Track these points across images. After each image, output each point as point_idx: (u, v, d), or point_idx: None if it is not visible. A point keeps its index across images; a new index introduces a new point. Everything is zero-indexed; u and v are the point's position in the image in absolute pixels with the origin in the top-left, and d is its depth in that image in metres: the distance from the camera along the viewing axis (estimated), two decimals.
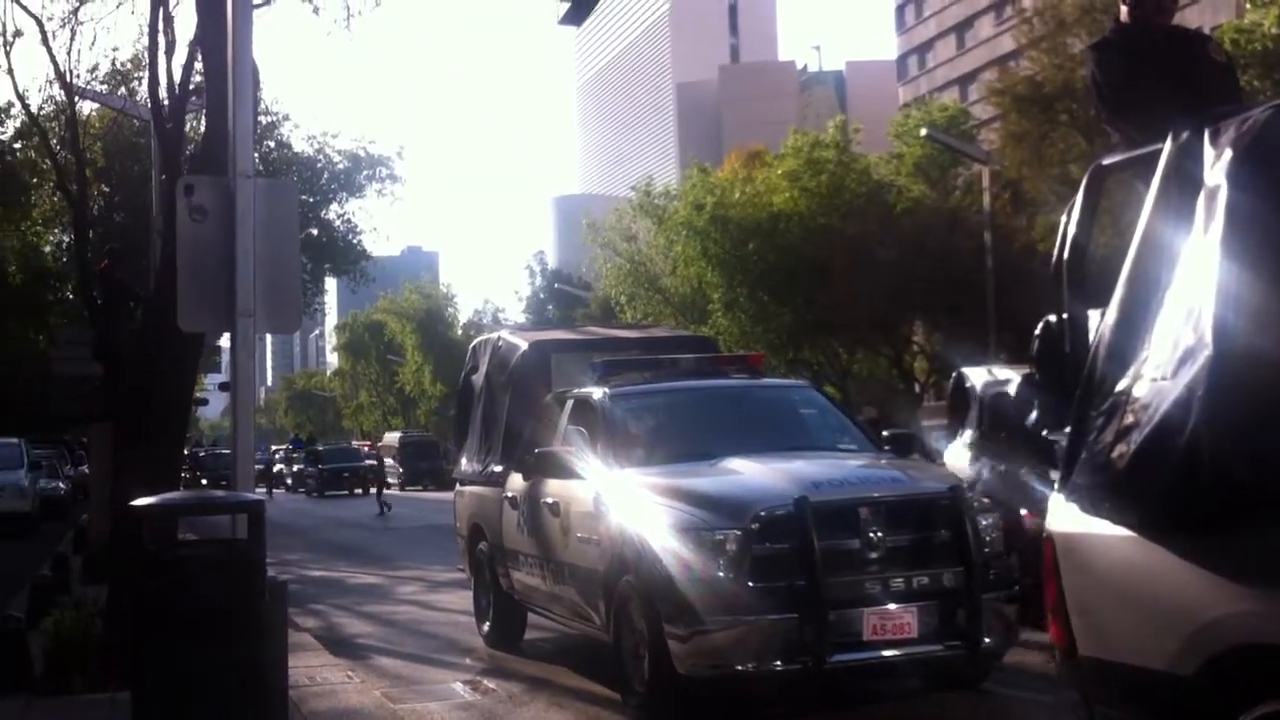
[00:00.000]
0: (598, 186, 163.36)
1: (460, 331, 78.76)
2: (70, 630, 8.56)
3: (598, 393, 9.17)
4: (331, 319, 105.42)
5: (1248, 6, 32.86)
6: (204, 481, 30.73)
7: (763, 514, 6.99)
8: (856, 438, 9.01)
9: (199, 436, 61.00)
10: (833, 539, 6.94)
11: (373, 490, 44.55)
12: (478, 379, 11.58)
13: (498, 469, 10.42)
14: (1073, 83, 28.59)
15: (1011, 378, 14.62)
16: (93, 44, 29.62)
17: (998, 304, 27.30)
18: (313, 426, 76.01)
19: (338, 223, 33.86)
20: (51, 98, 24.72)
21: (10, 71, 40.76)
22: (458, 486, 11.98)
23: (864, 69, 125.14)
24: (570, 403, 9.52)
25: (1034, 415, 13.91)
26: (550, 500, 8.92)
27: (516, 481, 9.80)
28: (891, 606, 6.94)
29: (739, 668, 6.92)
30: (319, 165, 32.95)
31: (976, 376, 15.03)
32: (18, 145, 29.66)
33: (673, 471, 7.98)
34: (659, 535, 7.26)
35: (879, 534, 7.05)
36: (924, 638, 7.02)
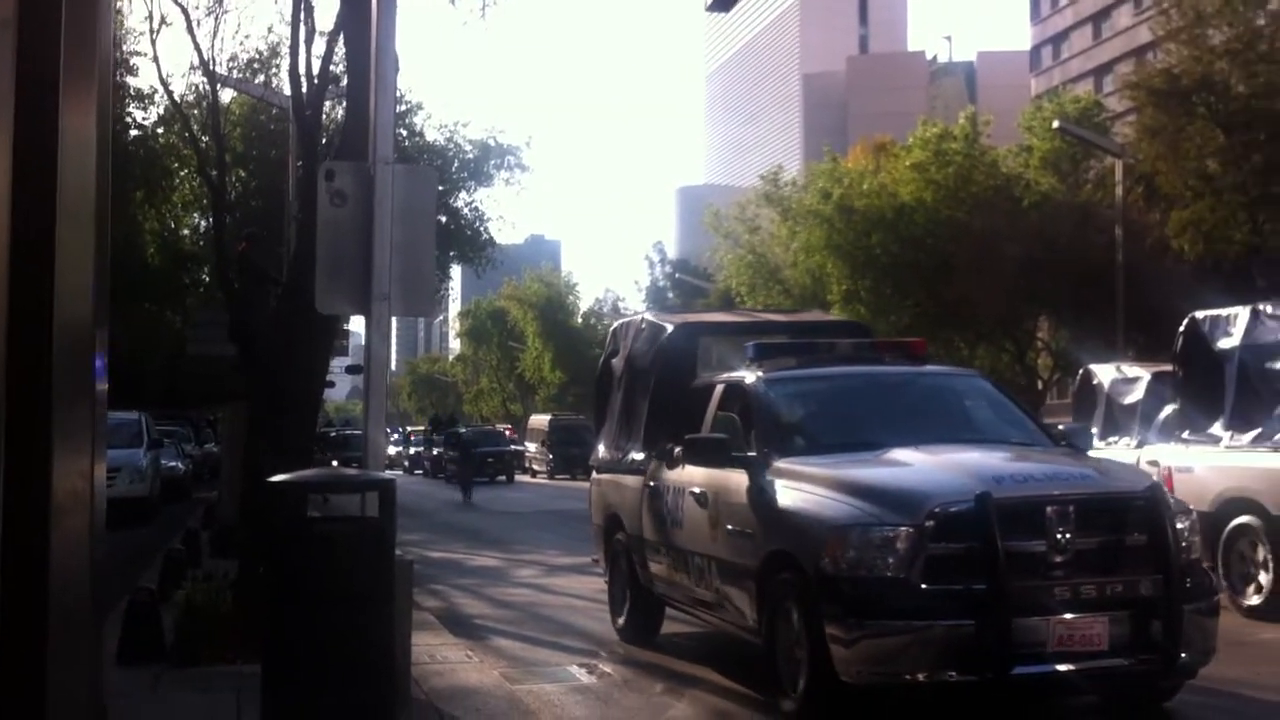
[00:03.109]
0: (722, 178, 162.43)
1: (580, 320, 78.89)
2: (201, 603, 8.77)
3: (751, 377, 8.66)
4: (456, 305, 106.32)
5: None
6: (334, 462, 30.88)
7: (938, 510, 6.43)
8: (1030, 431, 8.32)
9: (327, 417, 61.77)
10: (1016, 540, 6.34)
11: (501, 478, 43.41)
12: (618, 363, 11.04)
13: (638, 456, 9.94)
14: (1211, 76, 27.83)
15: (1141, 375, 14.01)
16: (236, 32, 29.85)
17: (1127, 301, 26.56)
18: (435, 410, 76.52)
19: (465, 210, 33.81)
20: (194, 85, 25.00)
21: (155, 59, 41.47)
22: (594, 474, 11.51)
23: (996, 60, 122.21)
24: (720, 387, 9.02)
25: (1167, 413, 13.20)
26: (697, 490, 8.44)
27: (659, 470, 9.35)
28: (1080, 615, 6.33)
29: (908, 676, 6.37)
30: (449, 154, 32.97)
31: (1104, 374, 14.70)
32: (160, 131, 30.03)
33: (835, 462, 7.42)
34: (821, 530, 6.74)
35: (1067, 536, 6.40)
36: (1115, 650, 6.39)
